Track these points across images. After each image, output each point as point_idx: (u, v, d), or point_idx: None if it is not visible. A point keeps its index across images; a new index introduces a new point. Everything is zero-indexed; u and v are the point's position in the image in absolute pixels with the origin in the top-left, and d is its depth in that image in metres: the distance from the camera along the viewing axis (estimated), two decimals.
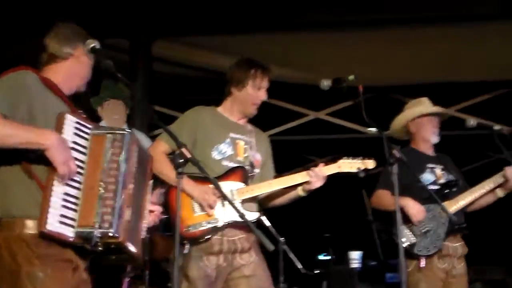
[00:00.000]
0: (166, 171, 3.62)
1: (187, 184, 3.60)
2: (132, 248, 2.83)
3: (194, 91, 8.09)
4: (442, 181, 4.61)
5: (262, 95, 3.96)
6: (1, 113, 2.61)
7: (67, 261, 2.70)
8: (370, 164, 3.97)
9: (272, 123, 8.19)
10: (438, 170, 4.65)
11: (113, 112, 5.09)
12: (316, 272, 7.13)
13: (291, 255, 5.11)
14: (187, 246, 3.64)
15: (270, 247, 2.80)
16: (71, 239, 2.64)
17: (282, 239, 4.75)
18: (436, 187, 4.51)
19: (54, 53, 2.94)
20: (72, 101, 2.96)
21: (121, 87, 4.92)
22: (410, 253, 4.38)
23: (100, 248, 2.67)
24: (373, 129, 8.07)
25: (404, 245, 4.35)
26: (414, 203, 4.40)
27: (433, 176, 4.60)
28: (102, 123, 4.89)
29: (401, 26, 6.96)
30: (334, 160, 3.96)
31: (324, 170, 3.88)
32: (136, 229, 2.96)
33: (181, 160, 2.86)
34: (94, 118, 4.45)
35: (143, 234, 3.08)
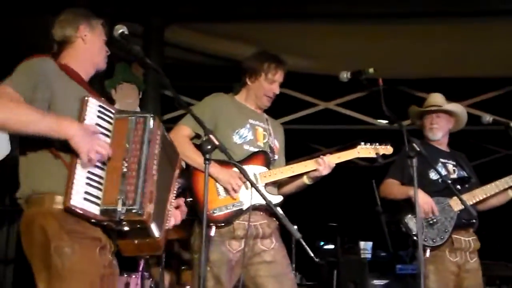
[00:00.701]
0: (191, 154, 3.69)
1: (213, 167, 3.62)
2: (156, 231, 2.85)
3: (205, 77, 8.11)
4: (453, 176, 4.62)
5: (275, 89, 4.02)
6: (24, 98, 2.65)
7: (95, 239, 2.73)
8: (389, 150, 4.04)
9: (282, 112, 8.21)
10: (450, 166, 4.67)
11: (127, 96, 5.15)
12: (328, 261, 7.20)
13: (304, 244, 5.16)
14: (213, 229, 3.67)
15: (297, 235, 2.80)
16: (96, 216, 2.67)
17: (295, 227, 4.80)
18: (448, 181, 4.47)
19: (59, 39, 3.00)
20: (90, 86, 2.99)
21: (134, 71, 4.98)
22: (416, 242, 4.43)
23: (126, 228, 2.72)
24: (383, 121, 8.12)
25: (413, 233, 4.41)
26: (423, 195, 4.38)
27: (444, 170, 4.61)
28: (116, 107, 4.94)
29: (414, 20, 6.95)
30: (352, 146, 4.02)
31: (344, 156, 3.95)
32: (161, 216, 2.97)
33: (209, 147, 2.88)
34: (108, 101, 4.49)
35: (168, 225, 3.09)
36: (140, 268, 4.94)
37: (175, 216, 3.18)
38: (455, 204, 4.46)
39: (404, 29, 7.05)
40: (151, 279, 5.20)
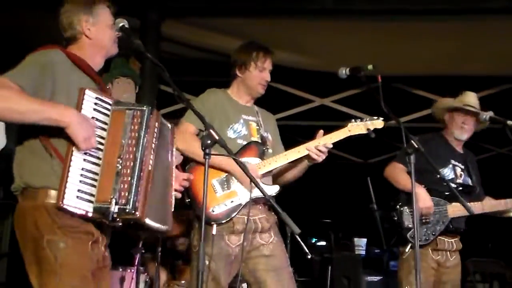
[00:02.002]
0: (198, 151, 3.68)
1: (228, 163, 3.68)
2: (153, 223, 2.84)
3: (201, 72, 8.11)
4: (459, 181, 4.67)
5: (266, 76, 4.05)
6: (19, 86, 2.63)
7: (87, 233, 2.74)
8: (379, 123, 4.06)
9: (278, 108, 8.21)
10: (459, 170, 4.70)
11: (123, 90, 5.14)
12: (322, 257, 7.21)
13: (299, 240, 5.20)
14: (214, 227, 3.68)
15: (296, 230, 2.80)
16: (89, 214, 2.67)
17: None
18: (452, 185, 4.49)
19: (67, 36, 2.98)
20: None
21: (131, 65, 4.98)
22: (403, 236, 4.48)
23: (119, 224, 2.71)
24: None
25: (405, 226, 4.48)
26: (425, 195, 4.44)
27: (452, 173, 4.65)
28: None
29: (411, 18, 6.95)
30: (342, 126, 4.01)
31: (335, 136, 3.95)
32: (161, 207, 2.97)
33: (209, 141, 2.88)
34: None
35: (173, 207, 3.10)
36: (136, 263, 4.94)
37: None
38: (452, 211, 4.51)
39: (401, 26, 7.05)
40: (146, 274, 5.20)
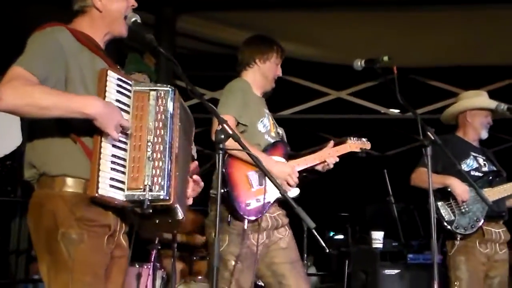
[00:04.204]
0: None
1: (266, 160, 3.60)
2: (180, 212, 2.76)
3: (216, 67, 8.09)
4: (485, 169, 4.66)
5: (280, 72, 4.04)
6: (39, 78, 2.52)
7: (104, 226, 2.65)
8: (368, 145, 4.20)
9: (294, 101, 8.19)
10: (481, 160, 4.70)
11: None
12: (340, 251, 7.20)
13: (316, 235, 5.21)
14: (246, 222, 3.64)
15: (311, 224, 2.77)
16: (122, 203, 2.58)
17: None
18: (479, 173, 4.59)
19: (75, 9, 2.83)
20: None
21: (146, 61, 4.96)
22: (447, 230, 4.45)
23: (150, 211, 2.59)
24: (396, 110, 8.07)
25: (445, 221, 4.46)
26: (460, 183, 4.44)
27: (476, 163, 4.64)
28: None
29: (426, 7, 6.90)
30: (342, 141, 4.11)
31: (337, 153, 4.01)
32: (183, 194, 2.88)
33: (222, 136, 2.81)
34: None
35: (189, 200, 3.01)
36: (152, 259, 4.94)
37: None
38: (488, 195, 4.45)
39: (416, 16, 7.01)
40: (162, 270, 5.21)
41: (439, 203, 4.51)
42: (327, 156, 3.96)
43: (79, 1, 2.81)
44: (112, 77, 2.60)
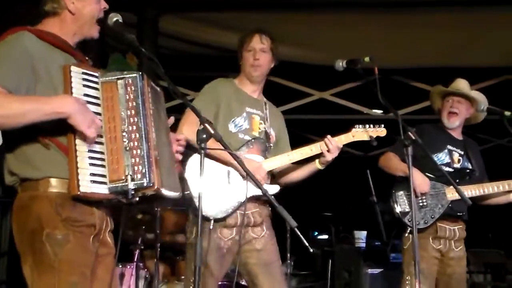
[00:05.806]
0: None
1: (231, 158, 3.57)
2: (168, 192, 2.76)
3: (199, 67, 8.08)
4: (456, 165, 4.60)
5: (255, 55, 3.97)
6: (7, 89, 2.49)
7: (90, 226, 2.66)
8: (382, 132, 4.01)
9: (277, 102, 8.17)
10: (456, 155, 4.63)
11: None
12: (323, 250, 7.21)
13: (299, 234, 5.19)
14: (212, 222, 3.66)
15: (293, 223, 2.77)
16: (107, 196, 2.58)
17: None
18: (449, 169, 4.50)
19: (46, 10, 2.79)
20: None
21: (128, 61, 4.95)
22: (400, 221, 4.43)
23: (136, 199, 2.61)
24: (378, 111, 8.10)
25: (397, 211, 4.44)
26: (421, 175, 4.39)
27: (448, 158, 4.59)
28: None
29: (410, 9, 6.93)
30: (346, 130, 4.01)
31: (339, 140, 3.93)
32: (169, 170, 2.87)
33: (204, 136, 2.82)
34: None
35: (179, 170, 3.03)
36: (135, 259, 4.93)
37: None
38: (451, 194, 4.44)
39: (400, 18, 7.04)
40: (146, 270, 5.19)
41: (400, 192, 4.48)
42: (323, 145, 3.87)
43: (51, 2, 2.77)
44: (76, 72, 2.61)
